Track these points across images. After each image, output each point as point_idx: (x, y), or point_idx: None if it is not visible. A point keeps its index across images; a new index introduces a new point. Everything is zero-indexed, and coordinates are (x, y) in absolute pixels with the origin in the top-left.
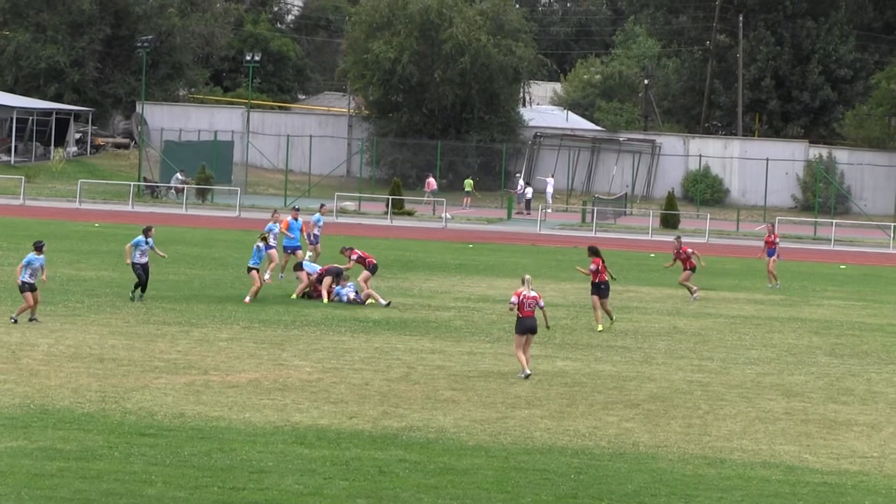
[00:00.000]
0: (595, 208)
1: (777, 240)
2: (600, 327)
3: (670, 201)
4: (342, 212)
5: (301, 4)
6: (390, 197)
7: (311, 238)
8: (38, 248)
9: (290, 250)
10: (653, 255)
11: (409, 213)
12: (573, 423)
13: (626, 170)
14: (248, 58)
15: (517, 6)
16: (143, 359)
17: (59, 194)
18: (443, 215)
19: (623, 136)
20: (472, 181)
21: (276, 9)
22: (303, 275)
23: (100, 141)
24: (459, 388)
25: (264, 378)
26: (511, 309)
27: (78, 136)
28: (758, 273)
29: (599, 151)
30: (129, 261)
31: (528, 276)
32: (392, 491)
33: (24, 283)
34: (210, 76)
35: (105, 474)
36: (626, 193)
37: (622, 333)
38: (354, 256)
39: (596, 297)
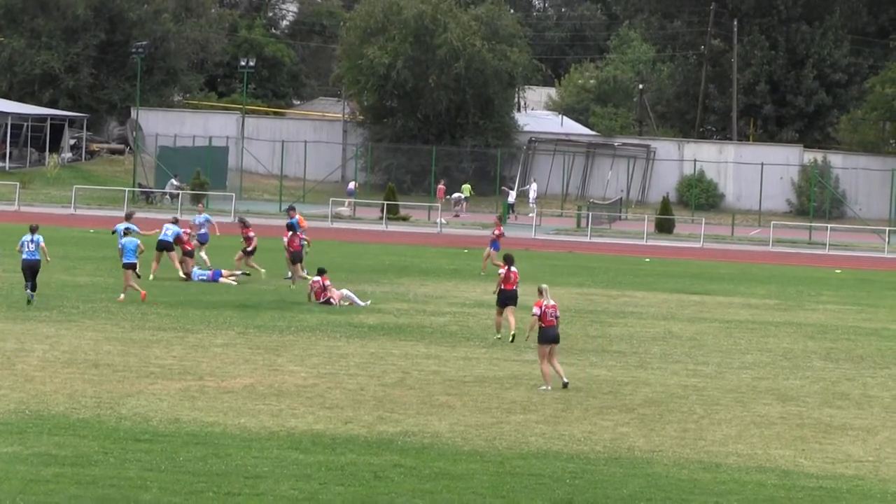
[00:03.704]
0: (590, 213)
1: (500, 232)
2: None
3: (665, 206)
4: (337, 217)
5: (295, 10)
6: (385, 202)
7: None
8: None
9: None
10: (647, 259)
11: (404, 219)
12: (568, 427)
13: (620, 174)
14: (243, 63)
15: (512, 11)
16: (138, 364)
17: (54, 200)
18: (437, 220)
19: (618, 141)
20: (469, 186)
21: (270, 14)
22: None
23: (95, 147)
24: (454, 393)
25: (259, 383)
26: (534, 319)
27: (73, 141)
28: (753, 278)
29: (594, 156)
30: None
31: (545, 286)
32: (387, 496)
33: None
34: (205, 82)
35: (100, 480)
36: (620, 198)
37: (617, 338)
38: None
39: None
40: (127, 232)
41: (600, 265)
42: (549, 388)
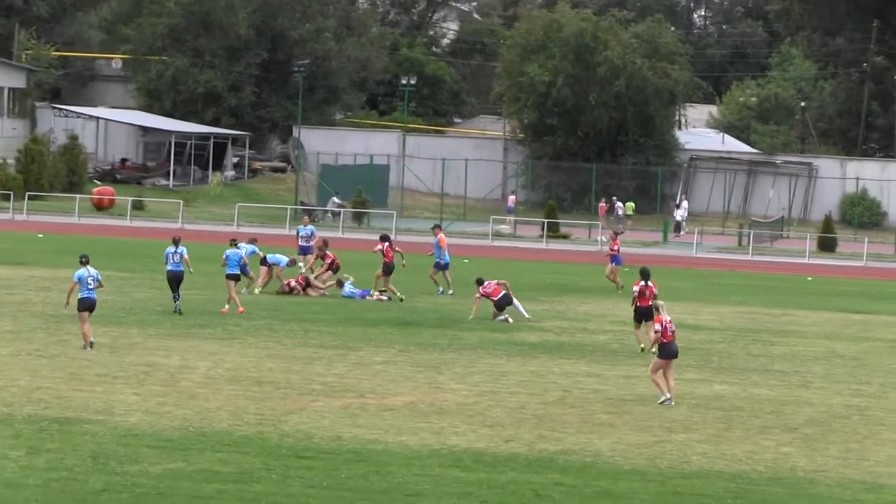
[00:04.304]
0: (751, 231)
1: (617, 247)
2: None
3: (827, 224)
4: (497, 235)
5: (456, 28)
6: (545, 220)
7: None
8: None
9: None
10: (810, 278)
11: (565, 237)
12: (730, 447)
13: (782, 192)
14: (404, 82)
15: (672, 29)
16: (300, 381)
17: (217, 218)
18: (598, 238)
19: (779, 159)
20: (632, 204)
21: (431, 32)
22: (263, 269)
23: (257, 165)
24: (615, 411)
25: (420, 401)
26: (657, 336)
27: (235, 160)
28: None
29: (756, 174)
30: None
31: (660, 302)
32: None
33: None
34: (366, 100)
35: (263, 496)
36: (782, 216)
37: (779, 357)
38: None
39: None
40: (234, 243)
41: (762, 284)
42: (669, 395)
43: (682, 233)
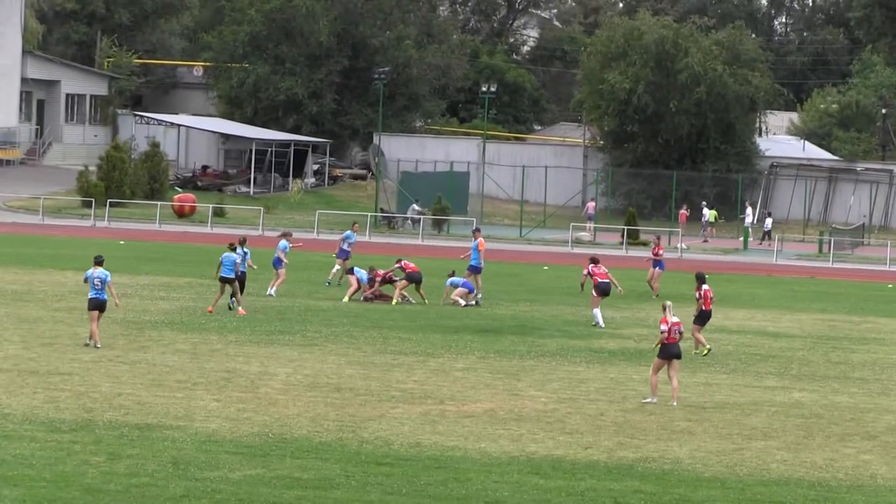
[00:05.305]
0: (832, 238)
1: (662, 252)
2: (704, 351)
3: None
4: (577, 242)
5: (536, 36)
6: (625, 227)
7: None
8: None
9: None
10: (890, 285)
11: (645, 244)
12: (810, 454)
13: (863, 200)
14: (484, 89)
15: (753, 35)
16: (379, 388)
17: (297, 225)
18: (678, 245)
19: (860, 166)
20: (716, 212)
21: (511, 40)
22: (352, 278)
23: (337, 172)
24: (695, 419)
25: (500, 408)
26: (663, 335)
27: (316, 167)
28: None
29: (836, 181)
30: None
31: (668, 303)
32: None
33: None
34: (446, 107)
35: (342, 503)
36: (863, 223)
37: (860, 365)
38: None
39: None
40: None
41: (842, 291)
42: (655, 400)
43: (765, 241)
